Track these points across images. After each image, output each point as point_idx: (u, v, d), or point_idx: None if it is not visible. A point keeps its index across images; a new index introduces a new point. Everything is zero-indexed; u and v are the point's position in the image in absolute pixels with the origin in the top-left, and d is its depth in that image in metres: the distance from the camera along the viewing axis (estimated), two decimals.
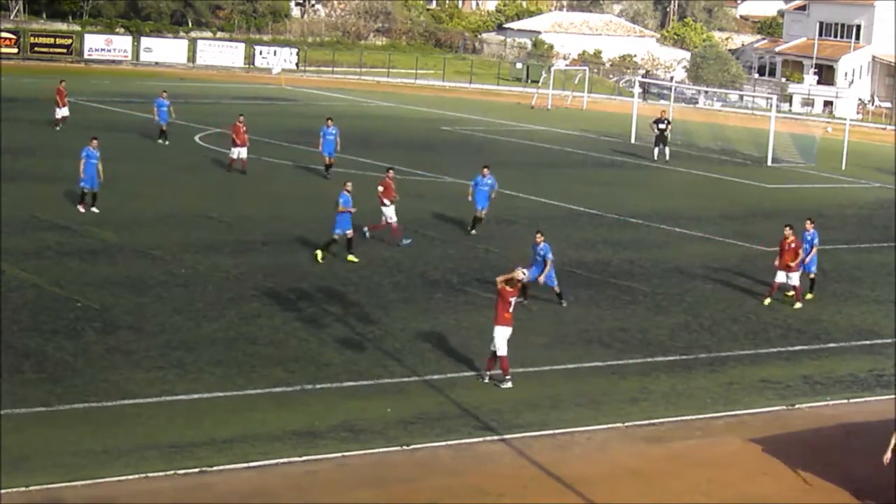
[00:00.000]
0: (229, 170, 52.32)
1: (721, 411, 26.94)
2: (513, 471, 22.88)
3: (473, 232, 43.07)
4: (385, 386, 27.05)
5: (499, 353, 27.20)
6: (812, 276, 37.11)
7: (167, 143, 60.04)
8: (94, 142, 43.18)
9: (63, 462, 21.71)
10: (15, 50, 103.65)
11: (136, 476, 21.34)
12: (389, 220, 40.31)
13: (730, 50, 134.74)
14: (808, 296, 36.89)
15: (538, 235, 34.62)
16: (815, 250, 36.99)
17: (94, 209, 42.50)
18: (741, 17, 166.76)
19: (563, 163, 65.12)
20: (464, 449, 23.83)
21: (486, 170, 43.41)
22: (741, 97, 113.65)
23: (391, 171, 41.17)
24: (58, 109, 63.10)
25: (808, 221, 37.65)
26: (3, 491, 20.28)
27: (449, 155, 64.30)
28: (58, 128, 61.62)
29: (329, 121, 53.94)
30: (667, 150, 66.85)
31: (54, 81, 66.14)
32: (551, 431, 24.96)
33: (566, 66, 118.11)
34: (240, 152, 52.55)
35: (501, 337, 27.14)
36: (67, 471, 21.29)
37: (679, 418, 26.36)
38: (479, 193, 42.94)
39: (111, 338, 28.93)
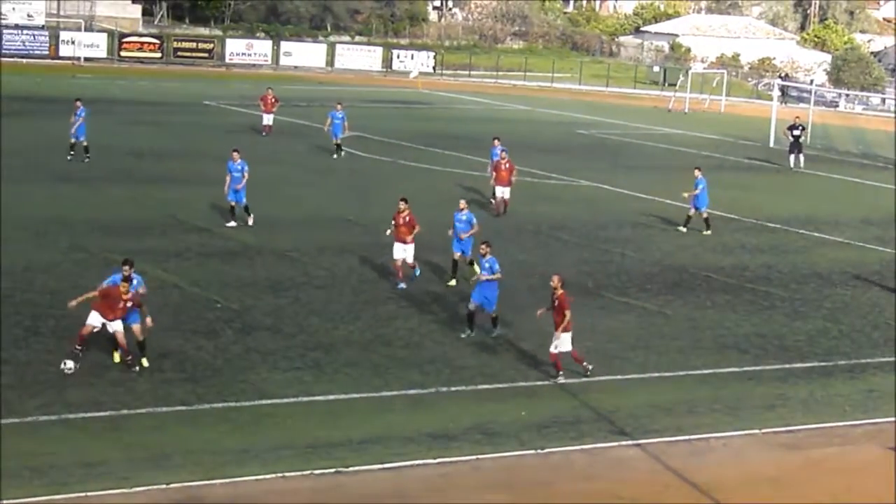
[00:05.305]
0: (497, 215, 46.14)
1: (861, 419, 26.55)
2: (647, 476, 22.78)
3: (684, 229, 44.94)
4: (519, 389, 27.08)
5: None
6: None
7: (342, 155, 58.03)
8: (235, 154, 41.42)
9: (202, 461, 22.07)
10: (159, 55, 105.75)
11: (273, 475, 21.63)
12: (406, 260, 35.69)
13: (872, 52, 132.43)
14: None
15: (483, 246, 30.75)
16: None
17: (233, 223, 40.86)
18: (884, 19, 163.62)
19: (700, 166, 64.37)
20: (598, 453, 23.77)
21: (697, 171, 45.95)
22: (883, 100, 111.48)
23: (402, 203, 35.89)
24: (265, 116, 63.32)
25: None
26: (143, 489, 20.67)
27: (584, 158, 64.09)
28: (264, 134, 61.35)
29: (496, 140, 48.63)
30: (801, 157, 65.54)
31: (195, 85, 67.10)
32: (687, 437, 24.82)
33: (704, 69, 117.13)
34: (503, 192, 46.63)
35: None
36: (206, 469, 21.63)
37: (817, 426, 26.03)
38: (701, 196, 45.00)
39: (249, 338, 29.34)
